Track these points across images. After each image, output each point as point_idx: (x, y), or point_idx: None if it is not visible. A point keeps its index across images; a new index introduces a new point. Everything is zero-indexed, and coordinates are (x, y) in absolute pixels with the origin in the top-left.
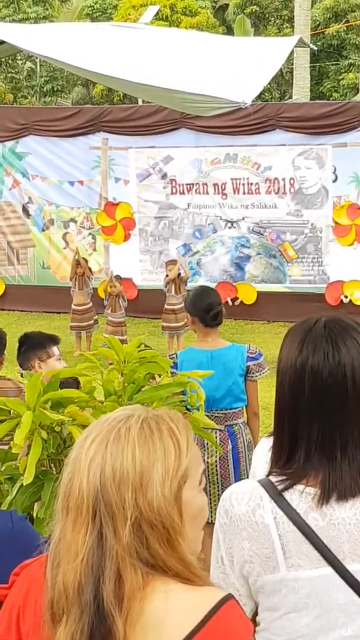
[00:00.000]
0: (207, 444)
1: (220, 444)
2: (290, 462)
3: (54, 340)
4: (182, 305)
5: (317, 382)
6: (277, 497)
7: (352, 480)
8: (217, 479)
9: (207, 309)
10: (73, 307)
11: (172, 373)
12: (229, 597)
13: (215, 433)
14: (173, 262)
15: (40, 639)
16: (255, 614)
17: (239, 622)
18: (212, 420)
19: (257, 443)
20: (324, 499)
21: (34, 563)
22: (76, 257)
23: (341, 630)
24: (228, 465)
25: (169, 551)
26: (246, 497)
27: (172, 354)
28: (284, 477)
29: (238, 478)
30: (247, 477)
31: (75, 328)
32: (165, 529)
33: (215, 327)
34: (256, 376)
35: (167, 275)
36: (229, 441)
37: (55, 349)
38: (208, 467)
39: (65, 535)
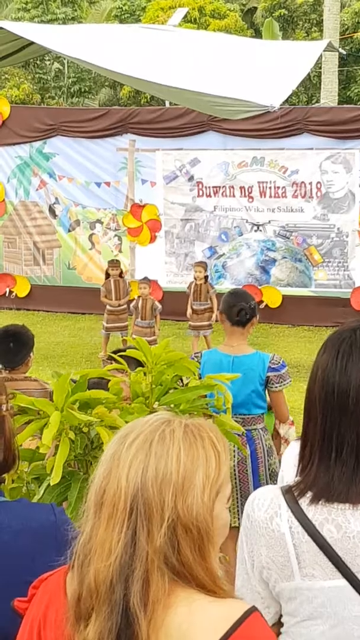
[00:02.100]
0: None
1: (237, 448)
2: (307, 467)
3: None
4: (206, 306)
5: (324, 381)
6: (294, 505)
7: (340, 484)
8: (235, 482)
9: (232, 305)
10: (109, 307)
11: None
12: (253, 610)
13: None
14: (201, 264)
15: None
16: (281, 615)
17: (263, 634)
18: None
19: (279, 450)
20: (320, 501)
21: (53, 575)
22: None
23: None
24: (247, 470)
25: (199, 559)
26: (266, 503)
27: (197, 353)
28: (298, 483)
29: (257, 483)
30: (267, 483)
31: (112, 329)
32: (199, 535)
33: (241, 327)
34: (276, 387)
35: (195, 278)
36: (247, 445)
37: None
38: None
39: (97, 532)
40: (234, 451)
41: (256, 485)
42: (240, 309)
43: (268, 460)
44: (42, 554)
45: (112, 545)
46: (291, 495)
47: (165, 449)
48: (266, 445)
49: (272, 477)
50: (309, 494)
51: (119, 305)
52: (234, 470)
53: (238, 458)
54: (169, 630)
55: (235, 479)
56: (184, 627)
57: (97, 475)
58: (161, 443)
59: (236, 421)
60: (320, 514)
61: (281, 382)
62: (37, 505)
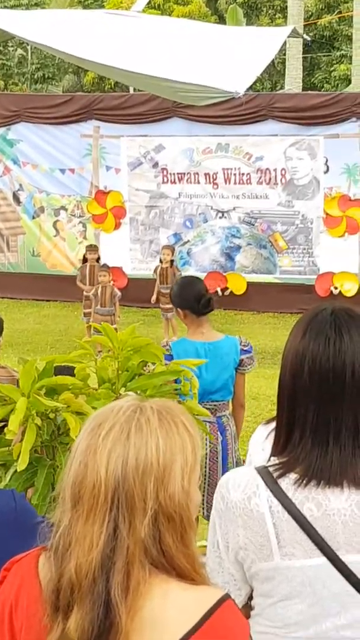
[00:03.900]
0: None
1: (209, 435)
2: (287, 447)
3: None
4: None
5: (316, 367)
6: (273, 485)
7: (340, 467)
8: (206, 471)
9: (197, 298)
10: (85, 293)
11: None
12: (226, 597)
13: (206, 425)
14: (169, 247)
15: (34, 632)
16: (251, 598)
17: (237, 622)
18: None
19: (239, 434)
20: (303, 481)
21: (25, 558)
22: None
23: (334, 619)
24: (217, 458)
25: (181, 546)
26: (242, 484)
27: (165, 345)
28: (280, 464)
29: (225, 469)
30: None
31: (90, 314)
32: (181, 523)
33: (208, 315)
34: (247, 369)
35: (160, 261)
36: (219, 433)
37: None
38: None
39: (76, 526)
40: (206, 439)
41: (224, 472)
42: (208, 300)
43: (234, 447)
44: (1, 540)
45: (94, 539)
46: (269, 475)
47: (143, 439)
48: (233, 431)
49: (238, 464)
50: (294, 475)
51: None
52: (206, 458)
53: (210, 446)
54: (143, 617)
55: (206, 467)
56: (157, 613)
57: (71, 468)
58: (139, 433)
59: (208, 408)
60: (301, 493)
61: (252, 363)
62: None
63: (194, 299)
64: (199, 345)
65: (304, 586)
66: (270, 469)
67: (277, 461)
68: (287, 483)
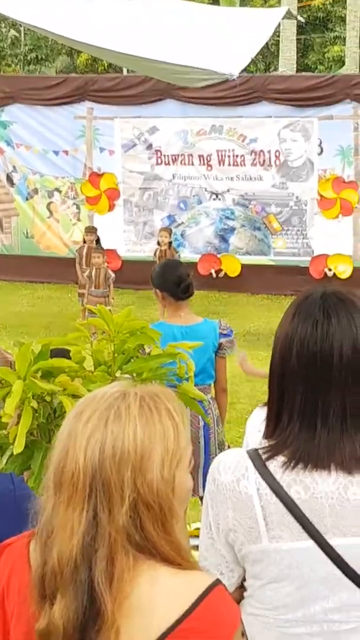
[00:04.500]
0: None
1: (191, 420)
2: (276, 430)
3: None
4: None
5: (304, 350)
6: (262, 468)
7: (327, 450)
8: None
9: (177, 282)
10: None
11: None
12: (217, 583)
13: (187, 409)
14: (166, 229)
15: (24, 618)
16: (245, 579)
17: (227, 608)
18: None
19: (224, 419)
20: (290, 464)
21: (17, 542)
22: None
23: (323, 602)
24: (199, 441)
25: (162, 534)
26: (232, 466)
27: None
28: (269, 447)
29: (207, 454)
30: (215, 453)
31: (84, 296)
32: (161, 511)
33: (187, 300)
34: (227, 353)
35: (158, 244)
36: (200, 418)
37: None
38: None
39: (58, 513)
40: (188, 420)
41: (207, 456)
42: (187, 285)
43: (217, 430)
44: (1, 524)
45: (74, 527)
46: (258, 457)
47: (121, 427)
48: (215, 414)
49: (221, 447)
50: (281, 458)
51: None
52: None
53: (192, 431)
54: (131, 603)
55: None
56: (146, 599)
57: (55, 454)
58: (117, 421)
59: None
60: (288, 476)
61: (231, 347)
62: None
63: (174, 283)
64: (176, 328)
65: (292, 569)
66: (260, 452)
67: (266, 444)
68: (275, 466)
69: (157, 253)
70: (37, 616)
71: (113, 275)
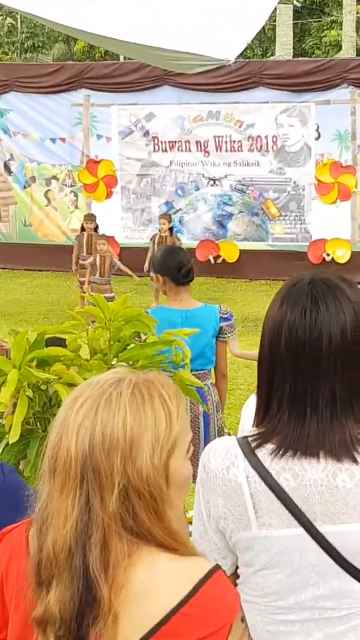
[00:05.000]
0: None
1: (191, 405)
2: (266, 418)
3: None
4: None
5: (293, 338)
6: (251, 455)
7: (316, 438)
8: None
9: (177, 267)
10: (80, 262)
11: None
12: (216, 568)
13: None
14: (165, 216)
15: (23, 605)
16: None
17: (227, 593)
18: None
19: (224, 404)
20: (279, 452)
21: (16, 529)
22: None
23: (313, 589)
24: (199, 427)
25: (155, 520)
26: (223, 453)
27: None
28: (258, 435)
29: (207, 440)
30: (216, 438)
31: (84, 283)
32: (152, 498)
33: (187, 285)
34: (227, 337)
35: (159, 230)
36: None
37: None
38: None
39: (52, 499)
40: (187, 407)
41: (206, 442)
42: (188, 269)
43: (216, 416)
44: None
45: (68, 513)
46: (248, 445)
47: (111, 414)
48: (215, 400)
49: (220, 433)
50: (270, 446)
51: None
52: None
53: (191, 416)
54: (130, 589)
55: None
56: (145, 585)
57: (50, 440)
58: (107, 408)
59: None
60: (277, 463)
61: (232, 331)
62: None
63: (175, 268)
64: (176, 313)
65: (282, 556)
66: (249, 439)
67: (256, 431)
68: (264, 453)
69: (156, 238)
70: (34, 603)
71: (119, 262)
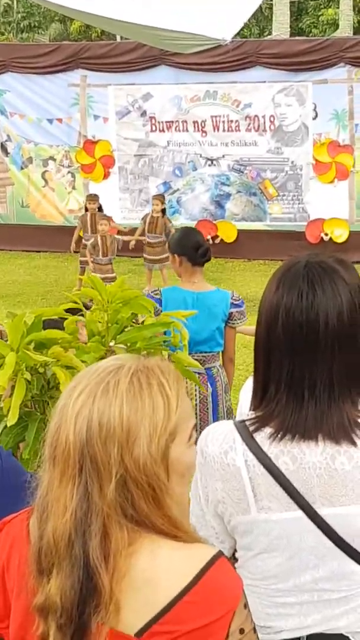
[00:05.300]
0: (187, 386)
1: (199, 386)
2: (263, 401)
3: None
4: (160, 240)
5: (290, 321)
6: (249, 439)
7: (315, 421)
8: (197, 421)
9: (195, 247)
10: (83, 241)
11: (155, 309)
12: (219, 555)
13: (196, 376)
14: (159, 197)
15: (24, 593)
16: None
17: (230, 580)
18: None
19: (230, 387)
20: (278, 435)
21: (16, 518)
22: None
23: (313, 571)
24: (207, 409)
25: (154, 509)
26: (220, 438)
27: (155, 290)
28: (256, 418)
29: (216, 420)
30: (225, 419)
31: (86, 263)
32: (150, 488)
33: (202, 265)
34: (237, 323)
35: (152, 210)
36: (209, 384)
37: None
38: None
39: (52, 487)
40: (196, 390)
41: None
42: (205, 249)
43: (225, 398)
44: None
45: (67, 502)
46: (246, 429)
47: (107, 402)
48: (224, 382)
49: (229, 415)
50: (269, 429)
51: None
52: (196, 409)
53: (200, 397)
54: (132, 577)
55: (197, 418)
56: (147, 573)
57: (50, 428)
58: (104, 397)
59: (197, 359)
60: (276, 447)
61: (242, 318)
62: None
63: (192, 247)
64: (188, 294)
65: (282, 539)
66: (247, 423)
67: (253, 415)
68: (262, 437)
69: (148, 218)
70: (36, 591)
71: (121, 239)
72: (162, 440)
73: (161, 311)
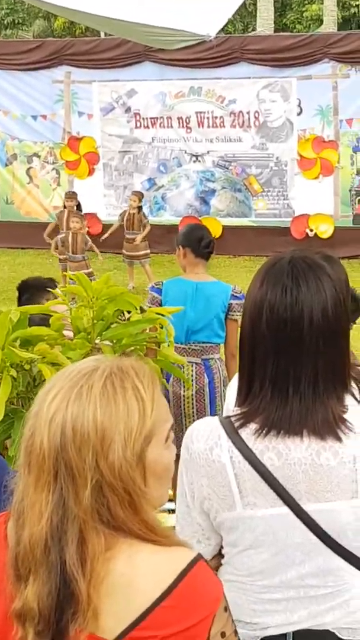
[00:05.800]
0: (185, 375)
1: (196, 377)
2: (248, 397)
3: (53, 281)
4: (138, 235)
5: (274, 317)
6: (234, 435)
7: (299, 417)
8: (193, 412)
9: (199, 239)
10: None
11: (153, 299)
12: (198, 558)
13: (192, 366)
14: (137, 193)
15: (3, 599)
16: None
17: (209, 583)
18: (189, 352)
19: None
20: (263, 431)
21: None
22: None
23: (299, 567)
24: (204, 399)
25: (131, 514)
26: (205, 434)
27: (158, 282)
28: (241, 415)
29: (214, 413)
30: (222, 413)
31: (65, 261)
32: (127, 493)
33: (206, 258)
34: (237, 315)
35: (129, 206)
36: (205, 375)
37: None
38: (184, 400)
39: (28, 493)
40: (192, 380)
41: (212, 414)
42: (209, 241)
43: (224, 391)
44: None
45: (42, 508)
46: (231, 425)
47: (81, 408)
48: (223, 375)
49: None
50: (254, 425)
51: None
52: (192, 400)
53: (196, 387)
54: (110, 582)
55: (193, 408)
56: (125, 578)
57: (24, 432)
58: (78, 401)
59: (195, 349)
60: (261, 443)
61: (240, 309)
62: None
63: (196, 239)
64: (189, 284)
65: (267, 535)
66: (232, 419)
67: (239, 411)
68: (247, 433)
69: (125, 215)
70: (13, 597)
71: (89, 240)
72: (138, 445)
73: (161, 301)
